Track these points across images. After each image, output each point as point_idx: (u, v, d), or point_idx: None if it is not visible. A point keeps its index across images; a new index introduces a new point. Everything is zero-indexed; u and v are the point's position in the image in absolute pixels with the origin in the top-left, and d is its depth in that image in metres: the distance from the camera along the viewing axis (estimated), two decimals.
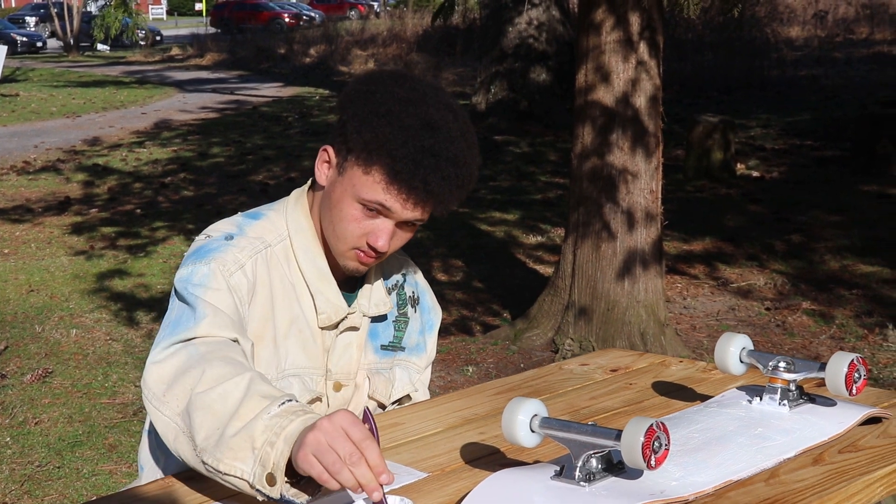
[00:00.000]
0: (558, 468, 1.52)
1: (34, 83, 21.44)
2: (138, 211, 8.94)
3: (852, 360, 1.72)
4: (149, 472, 1.90)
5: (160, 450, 1.88)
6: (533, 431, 1.56)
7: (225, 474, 1.48)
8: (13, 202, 9.40)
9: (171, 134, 13.72)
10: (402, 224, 1.79)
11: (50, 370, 4.99)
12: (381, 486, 1.36)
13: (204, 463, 1.51)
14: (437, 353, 5.26)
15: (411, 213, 1.76)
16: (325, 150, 1.81)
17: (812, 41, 20.30)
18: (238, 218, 1.89)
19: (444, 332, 5.64)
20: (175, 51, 30.54)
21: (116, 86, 20.94)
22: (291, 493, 1.43)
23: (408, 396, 2.06)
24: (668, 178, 7.37)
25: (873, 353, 5.08)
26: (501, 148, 11.43)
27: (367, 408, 1.53)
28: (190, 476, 1.68)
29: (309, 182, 1.92)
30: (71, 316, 5.94)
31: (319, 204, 1.85)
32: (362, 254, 1.80)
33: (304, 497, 1.44)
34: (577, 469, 1.49)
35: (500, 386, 2.14)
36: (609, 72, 4.89)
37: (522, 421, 1.55)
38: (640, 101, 4.93)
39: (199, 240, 1.84)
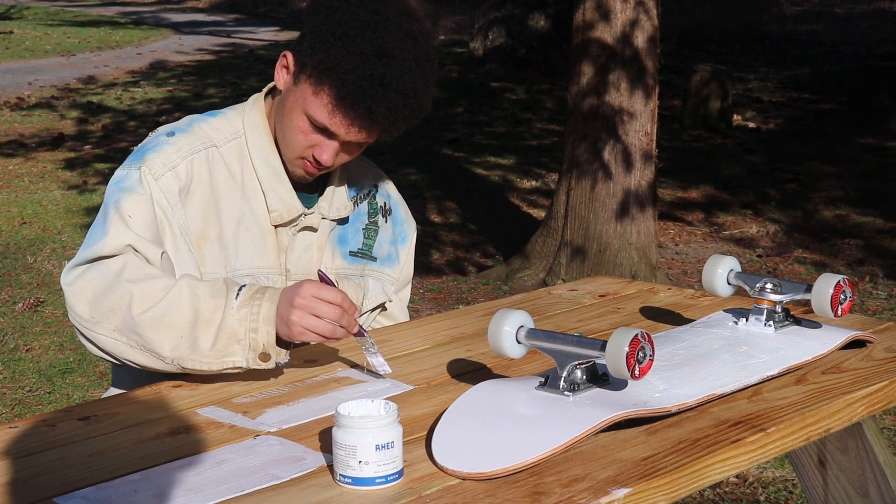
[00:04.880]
0: (543, 379, 1.53)
1: (29, 21, 21.23)
2: (133, 148, 8.89)
3: (839, 282, 1.73)
4: (118, 379, 1.95)
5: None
6: (519, 342, 1.56)
7: (218, 370, 1.65)
8: (7, 137, 9.35)
9: (166, 74, 13.62)
10: (348, 143, 1.81)
11: (42, 299, 5.00)
12: (356, 321, 1.66)
13: (183, 367, 1.66)
14: (428, 291, 5.30)
15: (356, 136, 1.79)
16: (285, 55, 1.84)
17: None
18: (195, 115, 1.94)
19: (436, 272, 5.66)
20: None
21: (112, 26, 20.73)
22: (281, 357, 1.66)
23: (383, 307, 2.08)
24: (665, 126, 7.36)
25: (863, 301, 5.10)
26: (498, 94, 11.37)
27: (321, 270, 1.73)
28: (178, 384, 1.70)
29: (267, 87, 1.95)
30: (63, 248, 5.94)
31: (276, 107, 1.88)
32: (308, 164, 1.85)
33: (287, 354, 1.67)
34: (562, 379, 1.50)
35: (489, 308, 2.14)
36: (608, 10, 4.86)
37: (508, 332, 1.56)
38: (639, 41, 4.90)
39: (149, 136, 1.91)
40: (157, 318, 1.64)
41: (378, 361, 1.69)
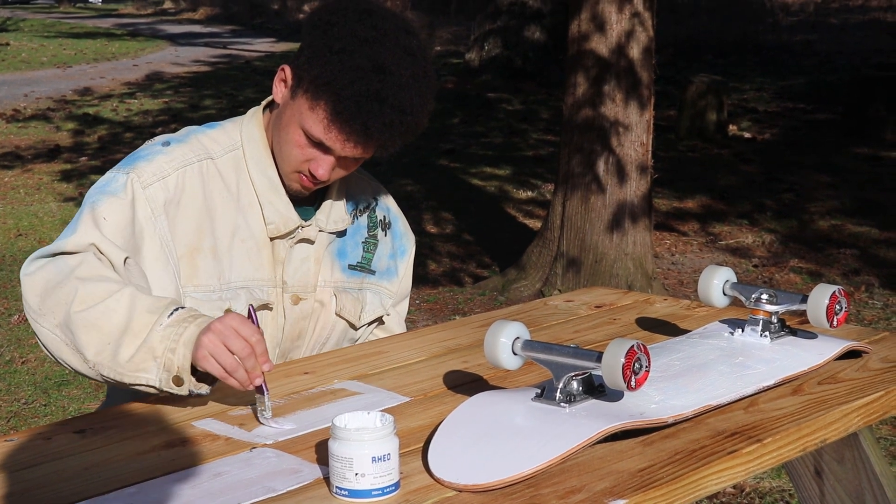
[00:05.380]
0: (539, 390, 1.53)
1: (25, 33, 21.25)
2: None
3: (834, 292, 1.73)
4: (114, 391, 1.93)
5: None
6: (515, 354, 1.56)
7: (131, 385, 1.62)
8: (3, 149, 9.36)
9: (162, 86, 13.63)
10: (344, 158, 1.81)
11: None
12: (263, 374, 1.57)
13: (102, 375, 1.64)
14: (425, 302, 5.30)
15: (351, 152, 1.78)
16: (283, 69, 1.84)
17: (808, 6, 20.18)
18: (194, 126, 1.93)
19: (432, 282, 5.66)
20: (167, 4, 30.26)
21: (108, 38, 20.76)
22: (195, 386, 1.61)
23: (380, 320, 2.07)
24: (661, 137, 7.37)
25: (859, 311, 5.11)
26: (494, 105, 11.38)
27: (251, 305, 1.69)
28: (173, 397, 1.69)
29: (266, 100, 1.94)
30: None
31: (273, 121, 1.88)
32: (304, 178, 1.84)
33: (206, 387, 1.62)
34: (558, 391, 1.50)
35: (485, 319, 2.14)
36: (604, 22, 4.88)
37: (504, 343, 1.56)
38: (634, 52, 4.91)
39: (145, 143, 1.90)
40: (90, 319, 1.62)
41: (268, 425, 1.57)
